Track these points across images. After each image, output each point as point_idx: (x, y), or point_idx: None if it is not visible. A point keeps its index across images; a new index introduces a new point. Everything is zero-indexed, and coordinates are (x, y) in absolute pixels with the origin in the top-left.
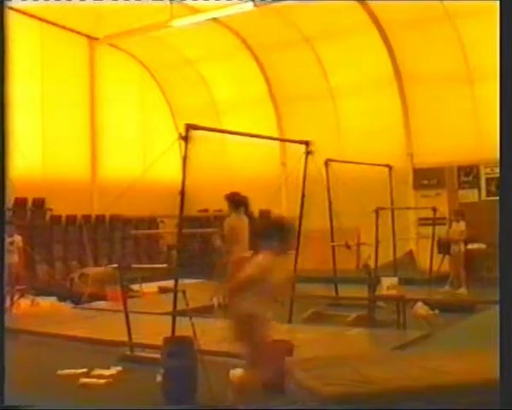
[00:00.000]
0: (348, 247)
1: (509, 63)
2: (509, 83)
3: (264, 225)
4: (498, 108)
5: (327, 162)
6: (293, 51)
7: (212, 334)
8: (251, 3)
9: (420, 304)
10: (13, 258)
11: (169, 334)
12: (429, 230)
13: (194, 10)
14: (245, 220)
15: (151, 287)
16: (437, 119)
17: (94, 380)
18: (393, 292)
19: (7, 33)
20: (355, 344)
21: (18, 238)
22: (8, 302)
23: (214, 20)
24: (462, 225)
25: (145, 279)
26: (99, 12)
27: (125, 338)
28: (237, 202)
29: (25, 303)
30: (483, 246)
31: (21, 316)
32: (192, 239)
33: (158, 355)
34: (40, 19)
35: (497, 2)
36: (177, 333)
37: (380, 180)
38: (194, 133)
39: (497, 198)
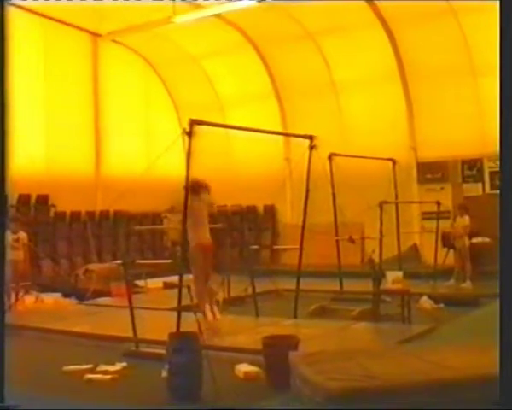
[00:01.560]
0: (352, 241)
1: (510, 62)
2: (510, 81)
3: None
4: (498, 104)
5: (331, 157)
6: (296, 47)
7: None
8: None
9: (425, 298)
10: (18, 255)
11: (174, 329)
12: (433, 224)
13: (197, 6)
14: (204, 204)
15: (156, 283)
16: (440, 113)
17: (99, 376)
18: (398, 286)
19: (7, 33)
20: (360, 338)
21: (23, 235)
22: (12, 299)
23: (217, 15)
24: (466, 220)
25: (150, 275)
26: (102, 8)
27: (130, 334)
28: (196, 187)
29: (29, 299)
30: (487, 240)
31: (26, 312)
32: None
33: (163, 351)
34: (43, 15)
35: (497, 3)
36: (182, 329)
37: (384, 174)
38: (199, 128)
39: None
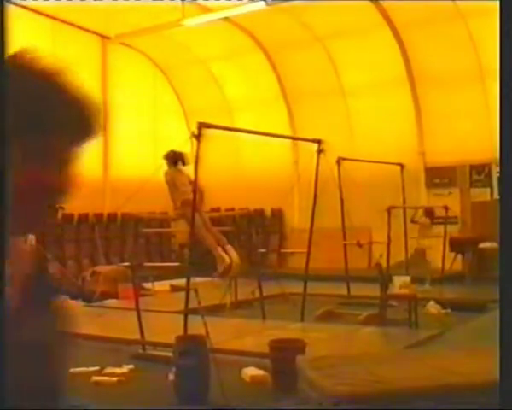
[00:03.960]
0: (360, 245)
1: (510, 63)
2: (510, 83)
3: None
4: (498, 105)
5: (339, 161)
6: (305, 50)
7: (225, 332)
8: (263, 2)
9: (432, 303)
10: None
11: (181, 332)
12: (441, 228)
13: (206, 9)
14: (185, 174)
15: (163, 285)
16: (449, 118)
17: (106, 378)
18: (405, 291)
19: (7, 33)
20: (367, 343)
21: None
22: None
23: (226, 19)
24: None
25: (157, 277)
26: (111, 11)
27: (137, 336)
28: (172, 158)
29: None
30: (495, 245)
31: None
32: None
33: (170, 354)
34: (51, 17)
35: (497, 3)
36: (189, 332)
37: (392, 179)
38: (207, 132)
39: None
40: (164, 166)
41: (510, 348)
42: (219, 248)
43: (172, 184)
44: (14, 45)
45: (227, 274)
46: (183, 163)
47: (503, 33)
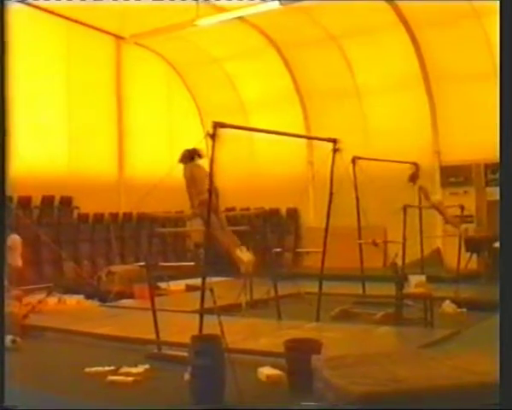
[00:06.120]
0: (375, 245)
1: (510, 63)
2: (510, 83)
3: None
4: (499, 106)
5: (354, 160)
6: (319, 49)
7: (240, 332)
8: (277, 2)
9: (447, 302)
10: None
11: (196, 332)
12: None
13: (220, 9)
14: (203, 167)
15: (178, 285)
16: (464, 116)
17: (121, 378)
18: (421, 290)
19: (7, 33)
20: (382, 342)
21: (13, 239)
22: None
23: (240, 18)
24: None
25: (172, 277)
26: (125, 11)
27: (153, 336)
28: (188, 156)
29: (52, 301)
30: None
31: (48, 314)
32: None
33: (185, 353)
34: (66, 18)
35: (497, 2)
36: (204, 331)
37: (407, 178)
38: (222, 131)
39: None
40: (181, 167)
41: (510, 349)
42: (237, 250)
43: (191, 178)
44: (29, 45)
45: (244, 273)
46: (200, 156)
47: (504, 33)
